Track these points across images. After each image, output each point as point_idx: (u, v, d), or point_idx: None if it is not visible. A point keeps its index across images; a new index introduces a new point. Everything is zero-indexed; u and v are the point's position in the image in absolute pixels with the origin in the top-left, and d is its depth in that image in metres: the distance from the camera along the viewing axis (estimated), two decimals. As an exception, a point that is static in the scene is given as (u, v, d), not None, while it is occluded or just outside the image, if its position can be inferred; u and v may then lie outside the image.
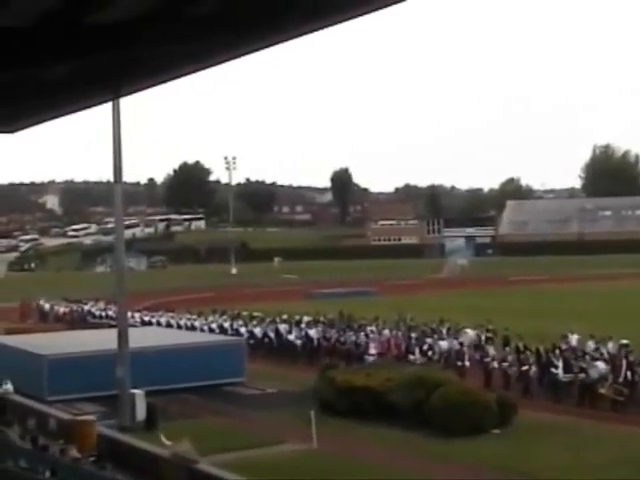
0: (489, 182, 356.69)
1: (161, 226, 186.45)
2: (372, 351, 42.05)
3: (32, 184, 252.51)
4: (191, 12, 9.35)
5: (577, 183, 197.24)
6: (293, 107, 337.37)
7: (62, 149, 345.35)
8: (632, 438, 28.31)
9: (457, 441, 27.68)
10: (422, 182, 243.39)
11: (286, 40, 9.45)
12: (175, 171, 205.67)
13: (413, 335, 42.88)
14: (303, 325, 49.04)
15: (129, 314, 58.02)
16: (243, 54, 10.04)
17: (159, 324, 55.35)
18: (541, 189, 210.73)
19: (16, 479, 21.57)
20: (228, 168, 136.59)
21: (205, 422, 32.05)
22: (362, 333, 44.79)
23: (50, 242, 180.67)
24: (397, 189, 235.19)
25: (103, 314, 62.19)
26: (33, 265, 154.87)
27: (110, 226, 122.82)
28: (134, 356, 32.75)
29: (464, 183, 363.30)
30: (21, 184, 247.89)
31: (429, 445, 27.76)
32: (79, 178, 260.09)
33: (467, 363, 38.27)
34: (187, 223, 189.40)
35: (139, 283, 77.47)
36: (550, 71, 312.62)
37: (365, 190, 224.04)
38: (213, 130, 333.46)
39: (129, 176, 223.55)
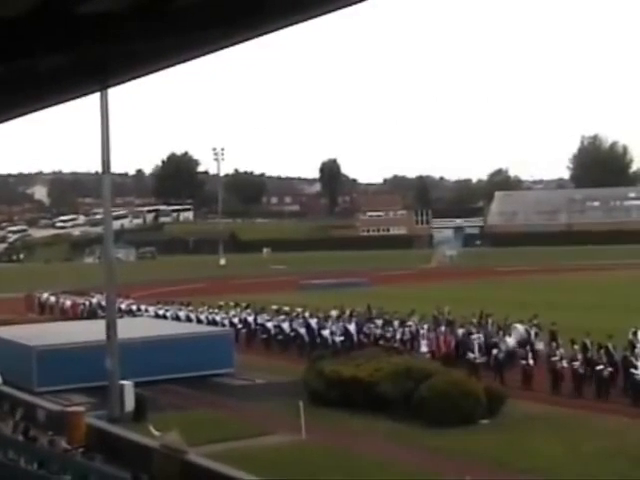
0: (477, 173, 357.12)
1: (149, 217, 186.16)
2: (424, 349, 39.05)
3: (20, 175, 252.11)
4: (182, 3, 9.34)
5: (565, 174, 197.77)
6: (281, 98, 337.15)
7: (50, 140, 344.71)
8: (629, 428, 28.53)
9: (445, 431, 27.74)
10: (411, 173, 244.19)
11: (275, 30, 9.45)
12: (163, 162, 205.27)
13: (460, 331, 39.99)
14: (333, 319, 46.41)
15: (143, 307, 57.84)
16: (232, 45, 10.03)
17: (177, 318, 52.93)
18: (529, 180, 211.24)
19: (3, 470, 21.56)
20: (216, 159, 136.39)
21: (194, 413, 32.06)
22: (407, 329, 42.16)
23: (38, 233, 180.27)
24: (386, 180, 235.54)
25: (115, 307, 59.09)
26: (21, 256, 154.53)
27: (98, 217, 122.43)
28: (123, 347, 32.74)
29: (453, 174, 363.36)
30: (9, 175, 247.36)
31: (417, 435, 27.81)
32: (67, 169, 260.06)
33: (531, 362, 35.22)
34: (176, 214, 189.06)
35: (128, 274, 77.30)
36: (538, 62, 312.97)
37: (354, 181, 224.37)
38: (201, 121, 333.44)
39: (117, 167, 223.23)
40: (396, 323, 43.53)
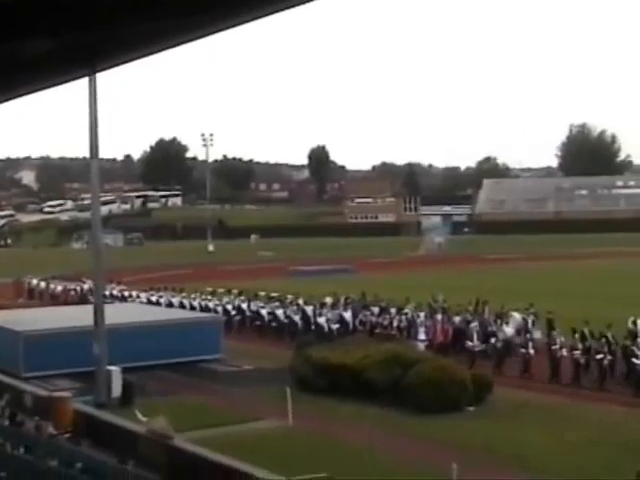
0: (466, 161, 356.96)
1: (138, 203, 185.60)
2: (422, 336, 38.66)
3: (8, 160, 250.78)
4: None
5: (554, 162, 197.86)
6: (270, 84, 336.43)
7: (38, 125, 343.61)
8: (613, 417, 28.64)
9: (432, 418, 27.88)
10: (399, 160, 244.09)
11: (263, 16, 9.42)
12: (152, 147, 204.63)
13: (457, 319, 39.93)
14: (327, 306, 45.93)
15: (135, 293, 57.54)
16: (221, 30, 10.01)
17: (170, 304, 52.33)
18: (518, 168, 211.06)
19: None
20: (205, 145, 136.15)
21: (181, 399, 32.11)
22: (403, 317, 42.03)
23: (26, 218, 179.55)
24: (374, 167, 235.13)
25: (107, 293, 55.87)
26: (9, 241, 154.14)
27: (86, 202, 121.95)
28: (110, 333, 32.74)
29: (441, 161, 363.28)
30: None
31: (404, 422, 27.93)
32: (55, 154, 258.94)
33: (532, 351, 34.90)
34: (164, 200, 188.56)
35: (116, 260, 77.15)
36: (527, 50, 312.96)
37: (342, 168, 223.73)
38: (190, 107, 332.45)
39: (105, 152, 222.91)
40: (393, 311, 43.23)
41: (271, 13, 9.24)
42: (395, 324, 41.79)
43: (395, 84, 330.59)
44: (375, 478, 22.41)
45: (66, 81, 13.29)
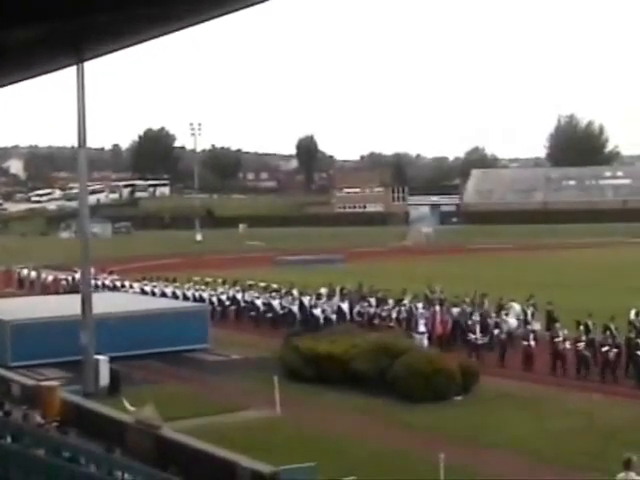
0: (454, 151, 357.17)
1: (126, 192, 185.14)
2: (422, 328, 37.33)
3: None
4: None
5: (542, 153, 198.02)
6: (259, 73, 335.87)
7: (26, 114, 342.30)
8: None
9: (419, 408, 27.97)
10: (387, 150, 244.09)
11: (250, 5, 9.42)
12: (140, 137, 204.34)
13: (455, 310, 39.49)
14: (324, 298, 45.42)
15: (127, 283, 57.26)
16: (206, 19, 10.00)
17: (164, 295, 51.61)
18: (506, 158, 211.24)
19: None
20: (193, 134, 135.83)
21: (168, 388, 32.13)
22: (402, 308, 41.50)
23: (14, 207, 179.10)
24: (362, 157, 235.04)
25: (99, 283, 56.92)
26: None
27: (74, 191, 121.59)
28: (98, 322, 32.73)
29: (429, 151, 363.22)
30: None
31: (391, 412, 28.04)
32: (43, 143, 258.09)
33: (533, 343, 34.44)
34: (152, 189, 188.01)
35: (105, 250, 76.88)
36: (516, 41, 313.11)
37: (330, 157, 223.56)
38: (178, 96, 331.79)
39: (94, 141, 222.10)
40: (391, 302, 42.70)
41: (258, 2, 9.25)
42: (394, 315, 41.39)
43: (384, 74, 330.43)
44: (361, 467, 22.48)
45: (53, 70, 13.29)
